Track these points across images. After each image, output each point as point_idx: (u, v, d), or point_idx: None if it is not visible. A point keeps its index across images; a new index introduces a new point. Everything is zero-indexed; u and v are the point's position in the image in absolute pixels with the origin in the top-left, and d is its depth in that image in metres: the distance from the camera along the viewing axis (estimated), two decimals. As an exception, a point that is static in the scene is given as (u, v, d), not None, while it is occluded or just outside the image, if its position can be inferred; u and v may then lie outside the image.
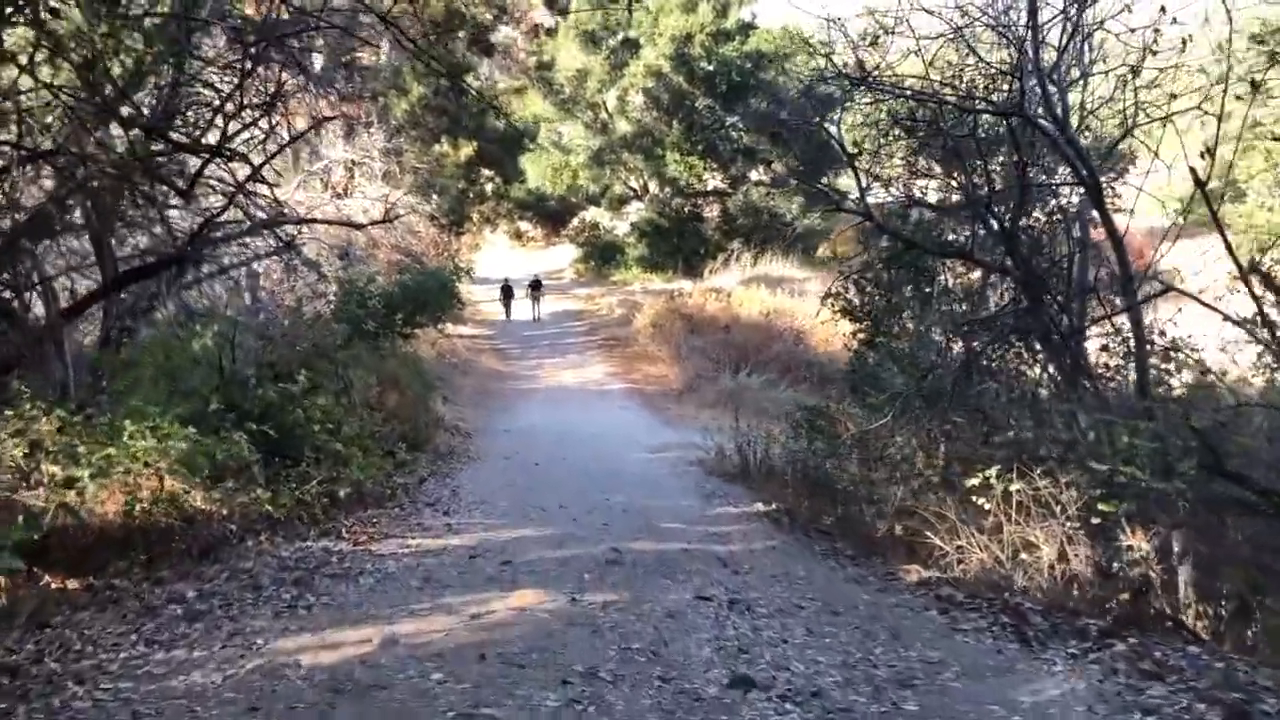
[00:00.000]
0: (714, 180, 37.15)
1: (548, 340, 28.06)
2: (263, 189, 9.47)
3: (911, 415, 9.99)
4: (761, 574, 7.04)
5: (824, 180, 35.64)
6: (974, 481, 6.83)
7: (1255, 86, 6.41)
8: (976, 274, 11.02)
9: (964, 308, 11.27)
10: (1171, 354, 8.55)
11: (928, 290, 11.52)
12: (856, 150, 9.69)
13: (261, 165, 9.18)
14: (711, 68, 34.36)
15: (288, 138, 10.18)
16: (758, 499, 11.32)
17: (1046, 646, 4.88)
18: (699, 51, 34.15)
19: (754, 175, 36.60)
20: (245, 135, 8.88)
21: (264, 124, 8.32)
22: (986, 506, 6.75)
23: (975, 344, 10.13)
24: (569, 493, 11.14)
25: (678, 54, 33.98)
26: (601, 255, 38.46)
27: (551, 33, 35.57)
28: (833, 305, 12.58)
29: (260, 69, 8.45)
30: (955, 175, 9.39)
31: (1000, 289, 10.69)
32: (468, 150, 24.77)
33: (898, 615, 5.72)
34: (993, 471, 6.86)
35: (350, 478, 9.29)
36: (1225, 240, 6.25)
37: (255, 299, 15.77)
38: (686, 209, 36.40)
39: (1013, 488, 6.75)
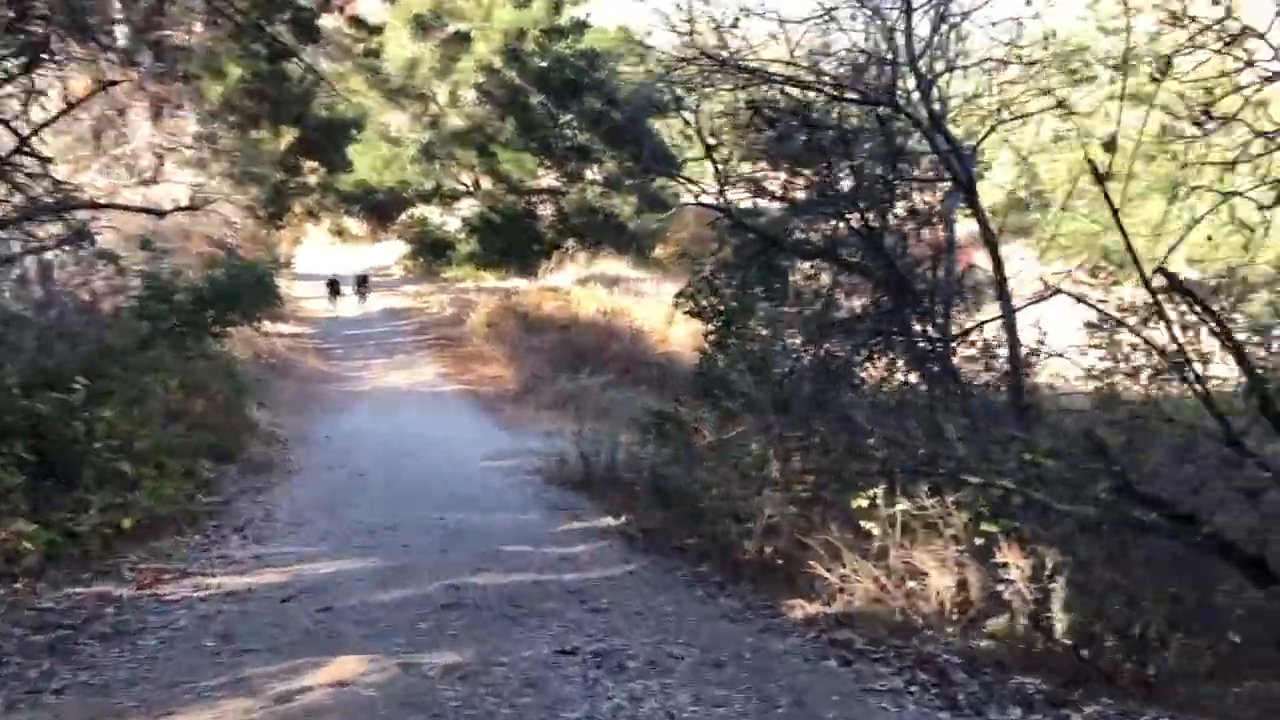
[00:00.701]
0: (548, 178, 36.07)
1: (375, 339, 26.37)
2: (52, 170, 7.95)
3: (764, 423, 9.26)
4: (625, 611, 6.05)
5: (658, 181, 35.21)
6: (862, 503, 6.05)
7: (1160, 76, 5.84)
8: (826, 276, 10.44)
9: (814, 310, 10.65)
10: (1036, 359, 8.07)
11: (778, 289, 10.82)
12: (714, 141, 8.84)
13: (29, 136, 7.63)
14: (545, 64, 33.26)
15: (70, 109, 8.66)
16: (605, 511, 10.39)
17: (985, 717, 4.08)
18: (532, 47, 33.00)
19: (589, 174, 35.69)
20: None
21: (25, 83, 6.81)
22: (874, 530, 5.98)
23: (829, 348, 9.50)
24: (399, 509, 9.93)
25: (510, 49, 32.73)
26: (431, 252, 36.72)
27: (377, 31, 33.68)
28: (684, 305, 11.74)
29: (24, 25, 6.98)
30: (818, 169, 8.64)
31: (851, 291, 10.11)
32: (289, 137, 22.84)
33: (792, 668, 4.82)
34: (878, 491, 6.10)
35: (140, 502, 7.81)
36: (1128, 245, 5.66)
37: (47, 294, 13.80)
38: (520, 206, 35.18)
39: (899, 508, 6.01)
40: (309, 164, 27.64)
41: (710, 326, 11.77)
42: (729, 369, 10.85)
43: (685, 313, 12.06)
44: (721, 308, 11.37)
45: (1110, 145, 5.82)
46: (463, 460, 13.45)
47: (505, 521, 9.68)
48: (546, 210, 35.86)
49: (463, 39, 34.28)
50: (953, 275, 8.33)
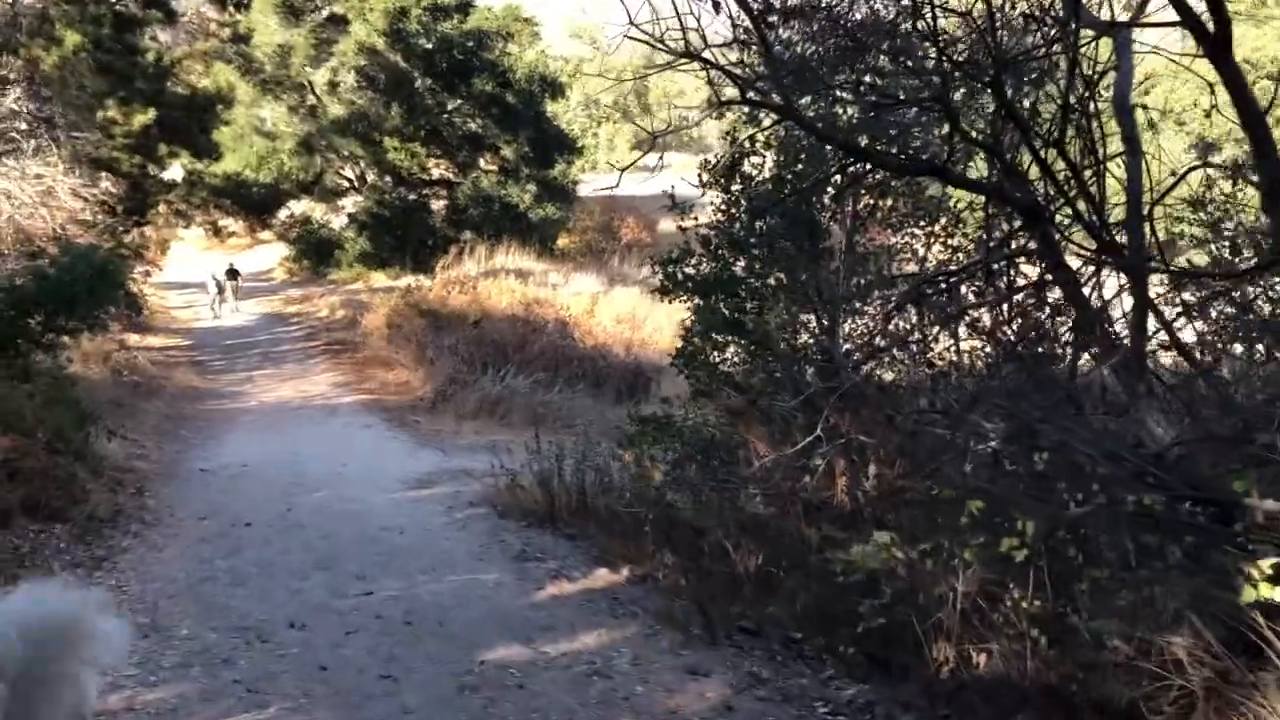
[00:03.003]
0: (439, 169, 32.15)
1: (259, 348, 22.24)
2: None
3: (835, 430, 6.16)
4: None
5: (557, 168, 31.77)
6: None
7: None
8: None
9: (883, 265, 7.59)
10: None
11: (807, 249, 7.61)
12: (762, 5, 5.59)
13: None
14: (431, 46, 29.37)
15: None
16: (594, 559, 7.20)
17: None
18: (416, 27, 29.05)
19: (483, 163, 31.92)
20: None
21: None
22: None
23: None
24: (304, 583, 6.47)
25: (393, 30, 28.74)
26: (317, 252, 32.23)
27: (242, 6, 29.25)
28: (668, 276, 8.34)
29: None
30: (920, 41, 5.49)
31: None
32: (144, 118, 18.61)
33: None
34: None
35: None
36: None
37: None
38: (411, 199, 31.16)
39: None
40: (173, 151, 23.25)
41: (693, 303, 8.41)
42: (756, 355, 7.68)
43: (660, 288, 8.64)
44: (726, 276, 8.10)
45: None
46: (379, 492, 9.89)
47: (464, 593, 6.32)
48: (439, 203, 31.91)
49: (339, 21, 30.17)
50: (1139, 183, 5.27)
